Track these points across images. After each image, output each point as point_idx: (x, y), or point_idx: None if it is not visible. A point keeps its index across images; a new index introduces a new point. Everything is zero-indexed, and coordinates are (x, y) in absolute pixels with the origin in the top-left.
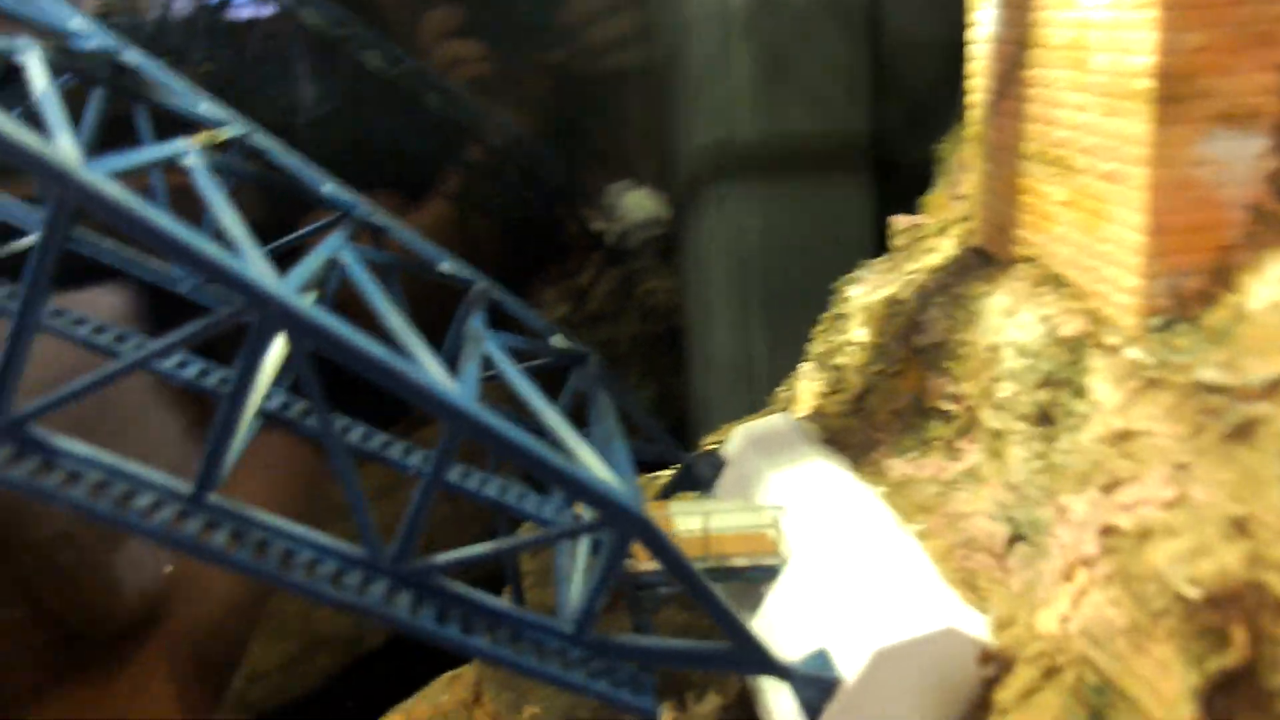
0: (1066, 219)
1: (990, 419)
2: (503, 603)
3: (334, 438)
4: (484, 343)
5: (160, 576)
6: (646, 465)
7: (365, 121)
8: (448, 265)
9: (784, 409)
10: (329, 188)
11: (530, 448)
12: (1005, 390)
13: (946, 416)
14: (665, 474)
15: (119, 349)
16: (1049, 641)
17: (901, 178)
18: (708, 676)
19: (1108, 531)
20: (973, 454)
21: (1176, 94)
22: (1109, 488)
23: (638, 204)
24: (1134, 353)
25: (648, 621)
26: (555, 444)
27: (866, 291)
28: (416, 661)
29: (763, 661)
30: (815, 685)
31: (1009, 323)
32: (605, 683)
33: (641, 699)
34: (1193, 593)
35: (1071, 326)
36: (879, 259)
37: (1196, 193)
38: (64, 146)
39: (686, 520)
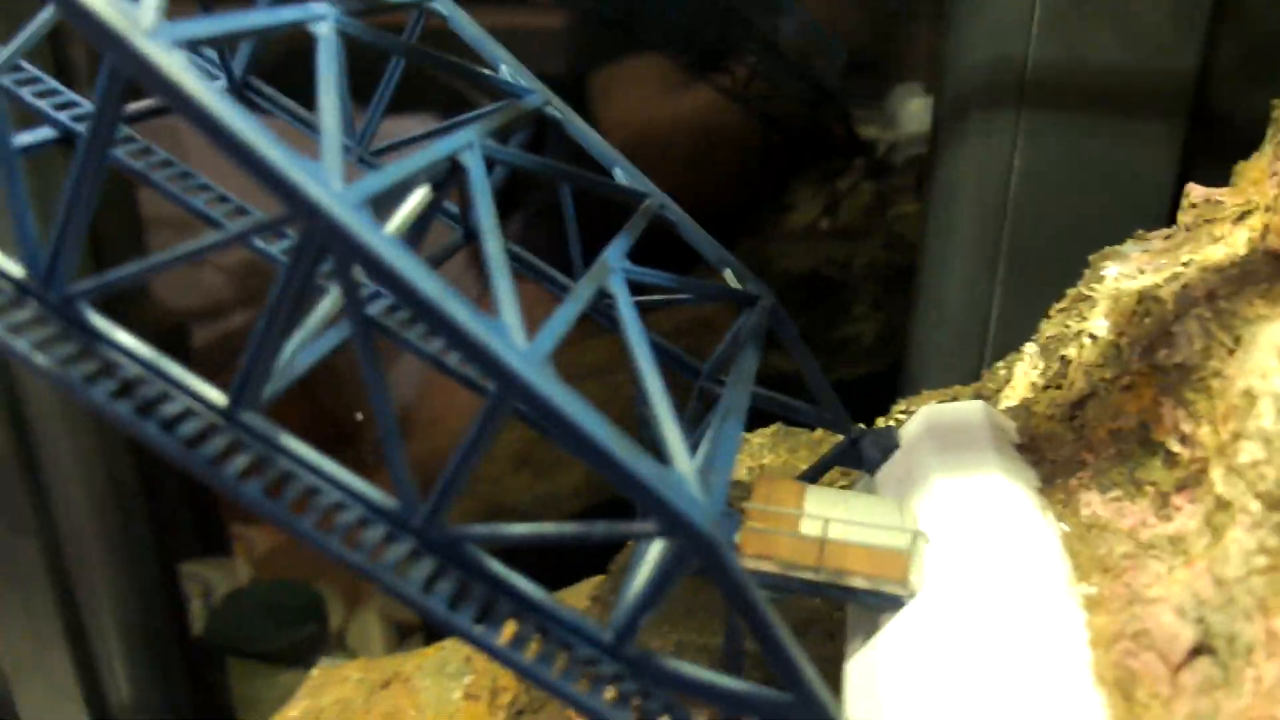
0: None
1: (1219, 482)
2: (536, 589)
3: (374, 374)
4: (609, 276)
5: None
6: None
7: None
8: (620, 172)
9: (994, 390)
10: (506, 69)
11: (581, 426)
12: (1247, 454)
13: (1172, 459)
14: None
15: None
16: None
17: (1225, 136)
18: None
19: None
20: (1188, 517)
21: None
22: None
23: (917, 114)
24: None
25: (739, 644)
26: (647, 421)
27: (1124, 275)
28: (585, 550)
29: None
30: None
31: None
32: (632, 712)
33: None
34: None
35: None
36: (1154, 235)
37: None
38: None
39: (811, 520)
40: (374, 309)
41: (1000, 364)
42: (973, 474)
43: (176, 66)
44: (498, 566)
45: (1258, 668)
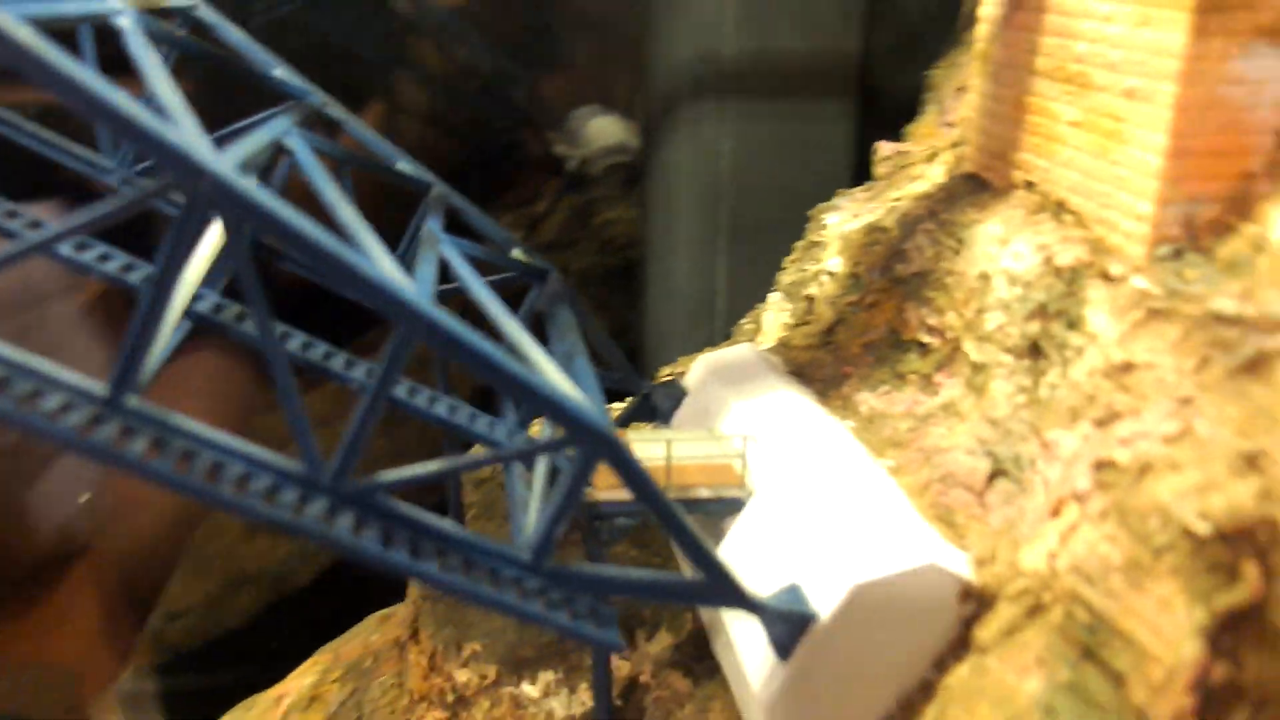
0: (1076, 141)
1: (973, 351)
2: (455, 527)
3: (272, 340)
4: (440, 245)
5: (77, 507)
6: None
7: (323, 21)
8: (405, 165)
9: (747, 341)
10: (280, 71)
11: (493, 356)
12: (993, 321)
13: (924, 349)
14: (619, 405)
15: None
16: (1033, 579)
17: (888, 106)
18: (658, 614)
19: (1103, 466)
20: (951, 388)
21: (1220, 2)
22: (1104, 422)
23: (603, 130)
24: (1140, 282)
25: (602, 555)
26: (517, 357)
27: (845, 219)
28: (345, 600)
29: (734, 596)
30: (788, 621)
31: (1002, 251)
32: (565, 614)
33: (606, 632)
34: (1202, 528)
35: (1070, 255)
36: (859, 187)
37: (1224, 114)
38: None
39: (647, 448)
40: (203, 306)
41: (746, 319)
42: (762, 394)
43: (50, 49)
44: (413, 510)
45: (1042, 471)
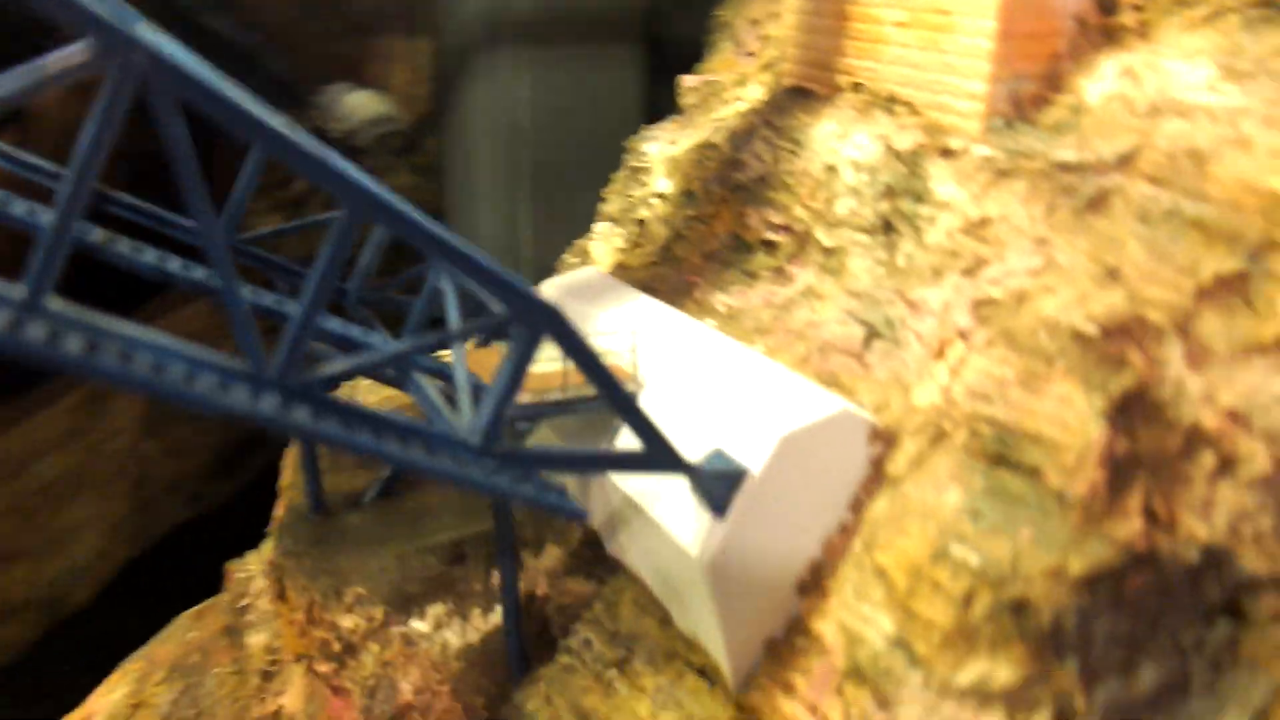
0: (903, 40)
1: (825, 238)
2: (405, 417)
3: (212, 224)
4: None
5: None
6: None
7: None
8: None
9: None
10: None
11: (441, 233)
12: (844, 207)
13: (771, 247)
14: None
15: None
16: (931, 412)
17: (670, 52)
18: (541, 533)
19: (981, 304)
20: (805, 275)
21: None
22: (972, 270)
23: (361, 104)
24: (983, 150)
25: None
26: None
27: (664, 146)
28: (136, 613)
29: (673, 461)
30: (723, 480)
31: (843, 144)
32: (530, 487)
33: (567, 503)
34: (1090, 328)
35: (909, 140)
36: (669, 119)
37: (1038, 2)
38: None
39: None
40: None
41: (569, 253)
42: (620, 305)
43: None
44: (363, 406)
45: (914, 327)
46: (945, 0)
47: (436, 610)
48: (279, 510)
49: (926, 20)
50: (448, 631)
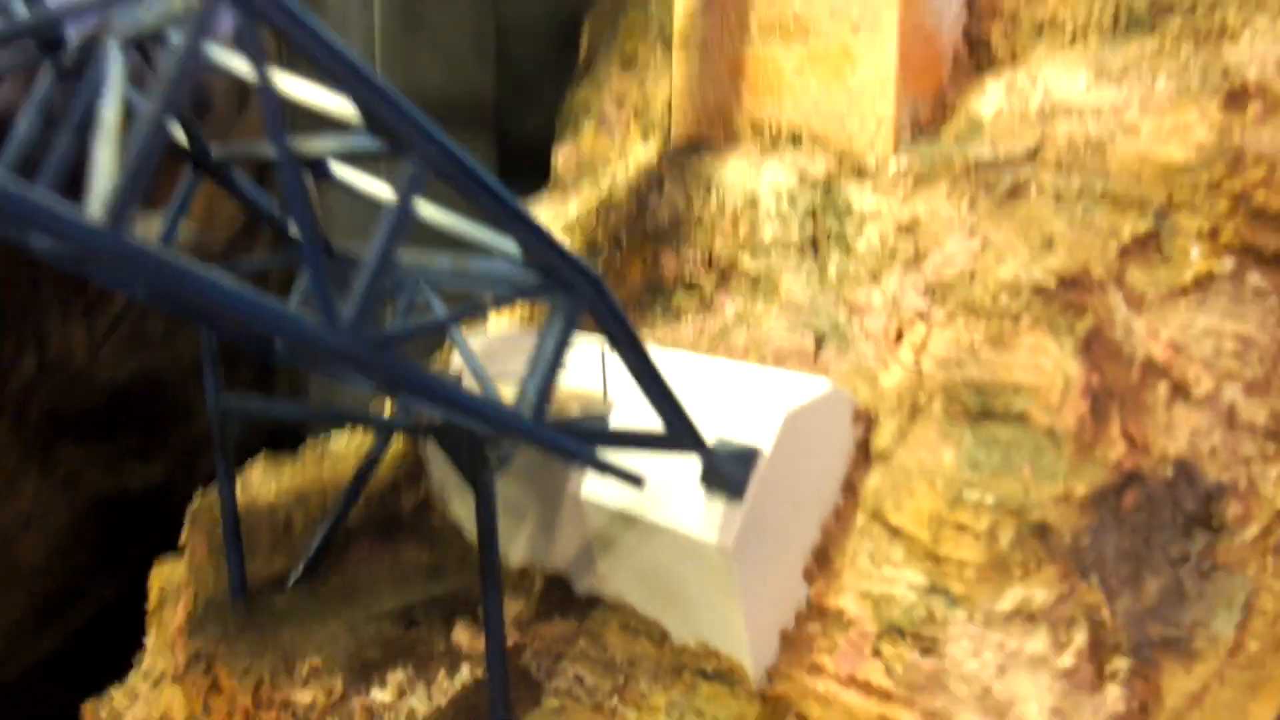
0: (803, 80)
1: (752, 266)
2: (454, 386)
3: (290, 159)
4: None
5: None
6: None
7: None
8: None
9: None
10: None
11: (501, 189)
12: (768, 233)
13: (691, 286)
14: None
15: None
16: (904, 390)
17: (515, 145)
18: None
19: (933, 286)
20: (734, 304)
21: None
22: (914, 261)
23: None
24: (900, 162)
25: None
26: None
27: (558, 210)
28: (66, 691)
29: (695, 441)
30: (738, 459)
31: (759, 175)
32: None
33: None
34: (1051, 281)
35: (820, 168)
36: (545, 191)
37: (926, 35)
38: None
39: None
40: None
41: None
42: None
43: None
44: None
45: (861, 326)
46: (847, 40)
47: (397, 677)
48: (179, 610)
49: (829, 60)
50: (412, 699)
